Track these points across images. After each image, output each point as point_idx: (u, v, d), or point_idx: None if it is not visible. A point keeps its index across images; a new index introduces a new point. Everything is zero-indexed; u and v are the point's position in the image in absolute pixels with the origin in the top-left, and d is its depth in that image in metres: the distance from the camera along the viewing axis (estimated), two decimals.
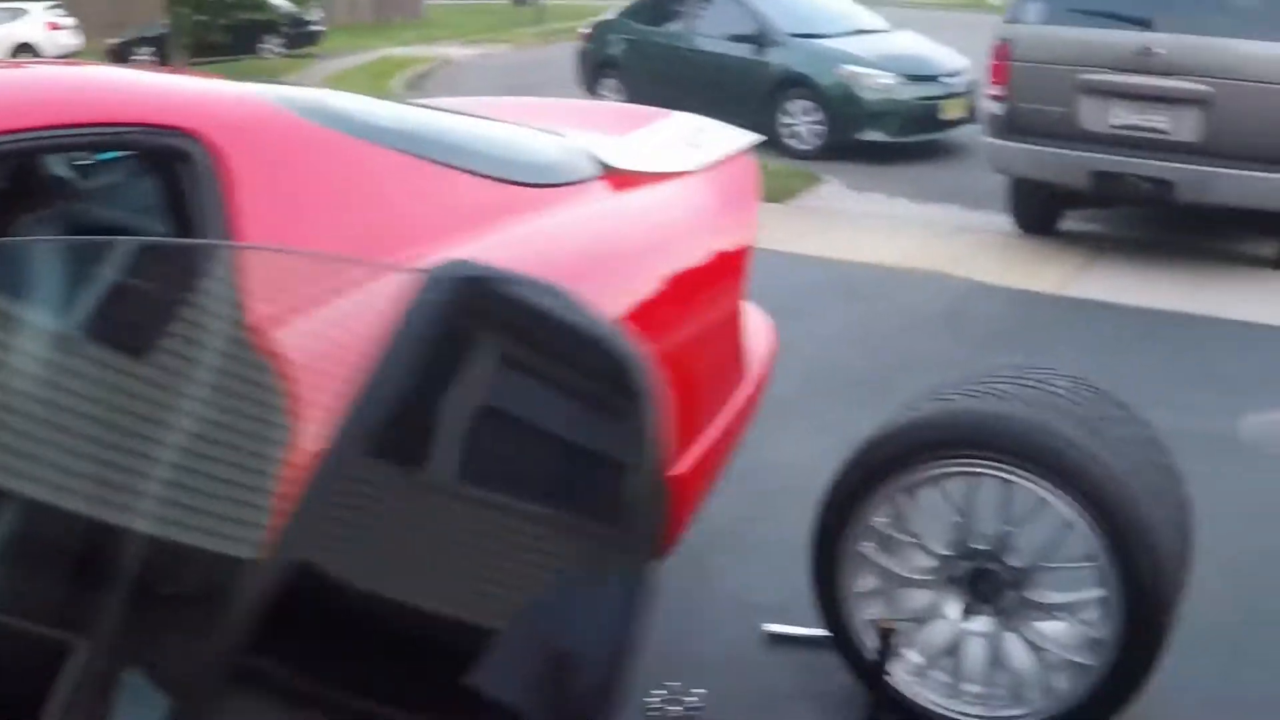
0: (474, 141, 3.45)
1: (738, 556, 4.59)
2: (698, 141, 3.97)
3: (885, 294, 8.43)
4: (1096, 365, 6.80)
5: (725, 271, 3.68)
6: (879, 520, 3.52)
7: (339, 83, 20.63)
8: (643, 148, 3.88)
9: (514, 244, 3.06)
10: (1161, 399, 6.24)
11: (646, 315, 3.24)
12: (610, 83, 16.08)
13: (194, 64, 24.15)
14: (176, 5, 24.51)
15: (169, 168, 2.71)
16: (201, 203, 2.64)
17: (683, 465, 3.39)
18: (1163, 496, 3.37)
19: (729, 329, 3.73)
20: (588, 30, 17.39)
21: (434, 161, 3.14)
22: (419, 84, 21.36)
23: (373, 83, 20.27)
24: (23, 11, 29.87)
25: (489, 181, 3.21)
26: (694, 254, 3.54)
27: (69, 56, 29.24)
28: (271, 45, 28.35)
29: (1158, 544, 3.20)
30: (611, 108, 4.62)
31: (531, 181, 3.32)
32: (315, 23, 29.62)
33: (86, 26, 31.24)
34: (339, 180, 2.95)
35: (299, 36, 28.88)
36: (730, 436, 3.71)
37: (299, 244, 2.72)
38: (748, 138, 4.11)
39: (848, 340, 7.38)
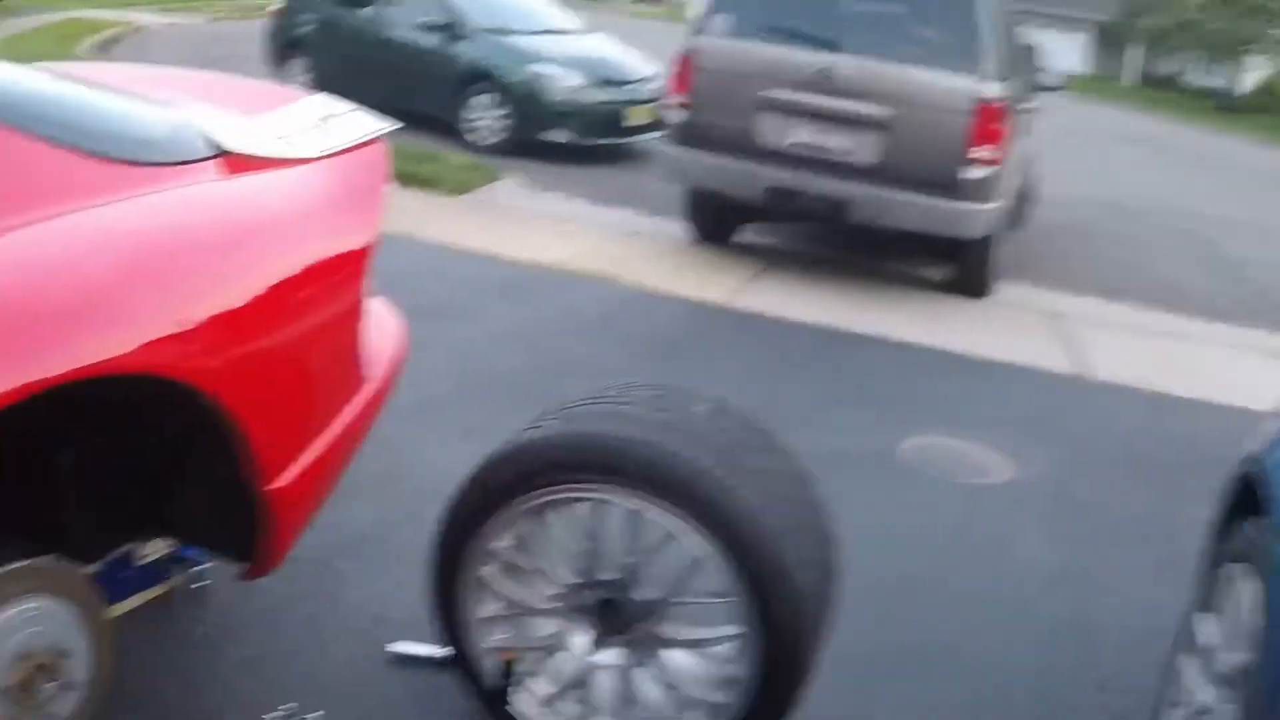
0: (63, 109, 3.10)
1: (373, 564, 4.35)
2: (328, 126, 3.67)
3: (550, 296, 8.23)
4: (756, 380, 6.83)
5: (340, 269, 3.38)
6: (500, 544, 3.29)
7: (20, 44, 19.54)
8: (266, 130, 3.57)
9: (89, 224, 2.74)
10: (819, 418, 6.25)
11: (241, 314, 2.94)
12: (299, 63, 15.53)
13: None
14: None
15: None
16: None
17: (284, 478, 3.12)
18: (804, 532, 3.21)
19: (343, 332, 3.43)
20: (279, 6, 16.79)
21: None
22: (106, 49, 20.35)
23: (57, 46, 19.19)
24: None
25: (71, 154, 2.85)
26: (302, 249, 3.23)
27: None
28: None
29: (795, 582, 3.04)
30: (245, 85, 4.28)
31: (126, 158, 2.98)
32: None
33: None
34: None
35: None
36: (345, 447, 3.44)
37: None
38: (381, 125, 3.82)
39: (507, 342, 7.14)
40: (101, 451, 3.14)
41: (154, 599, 3.52)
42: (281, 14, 16.36)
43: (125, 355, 2.62)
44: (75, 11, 25.17)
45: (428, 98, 13.80)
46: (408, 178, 10.16)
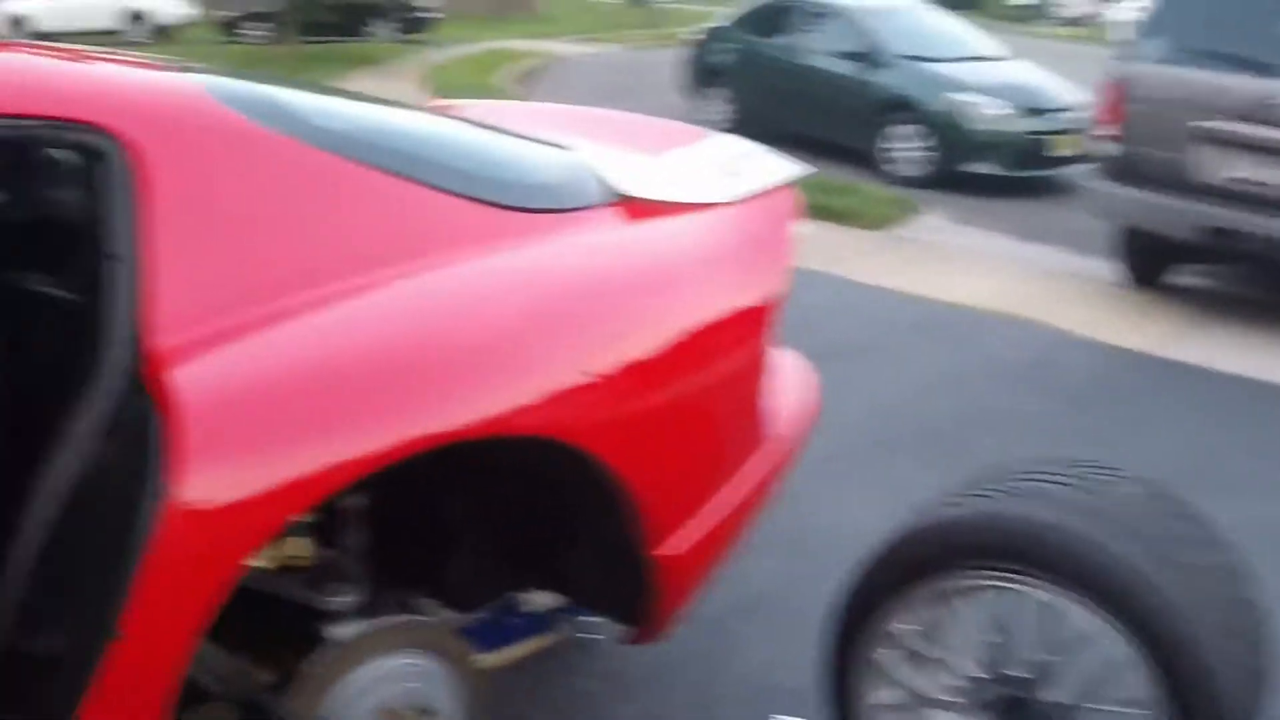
0: (452, 156, 3.03)
1: (770, 626, 4.14)
2: (735, 169, 3.49)
3: (968, 337, 7.87)
4: (1182, 438, 6.30)
5: (742, 323, 3.18)
6: (901, 627, 3.01)
7: (443, 73, 20.47)
8: (667, 172, 3.42)
9: (479, 276, 2.69)
10: (1252, 485, 5.69)
11: (633, 373, 2.82)
12: (716, 91, 15.63)
13: (305, 43, 24.06)
14: None
15: (82, 168, 2.47)
16: (114, 209, 2.37)
17: (673, 544, 2.96)
18: (1239, 638, 2.83)
19: (744, 389, 3.24)
20: (699, 36, 16.97)
21: (395, 174, 2.74)
22: (525, 79, 21.09)
23: (478, 75, 20.04)
24: None
25: (462, 202, 2.80)
26: (702, 302, 3.05)
27: (176, 27, 29.22)
28: (380, 29, 28.21)
29: (1225, 695, 2.66)
30: (647, 123, 4.14)
31: (517, 205, 2.90)
32: (428, 10, 29.39)
33: None
34: (275, 191, 2.59)
35: (411, 22, 28.71)
36: (743, 512, 3.24)
37: (223, 260, 2.45)
38: (792, 170, 3.61)
39: (922, 387, 6.83)
40: (487, 501, 3.07)
41: (541, 650, 3.46)
42: (699, 43, 16.54)
43: (507, 416, 2.56)
44: (495, 42, 26.24)
45: (844, 127, 13.63)
46: (823, 210, 9.97)
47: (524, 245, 2.81)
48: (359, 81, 19.63)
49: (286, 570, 2.85)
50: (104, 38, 27.43)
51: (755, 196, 3.39)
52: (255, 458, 2.29)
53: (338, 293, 2.49)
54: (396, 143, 2.93)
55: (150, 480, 2.20)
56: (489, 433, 2.53)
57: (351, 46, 25.54)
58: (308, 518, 2.80)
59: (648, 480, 2.84)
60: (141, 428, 2.25)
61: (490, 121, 3.58)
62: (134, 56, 3.00)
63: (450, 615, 3.15)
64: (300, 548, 2.85)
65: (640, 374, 2.83)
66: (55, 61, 2.72)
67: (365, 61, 22.84)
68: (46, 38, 27.71)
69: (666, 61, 17.70)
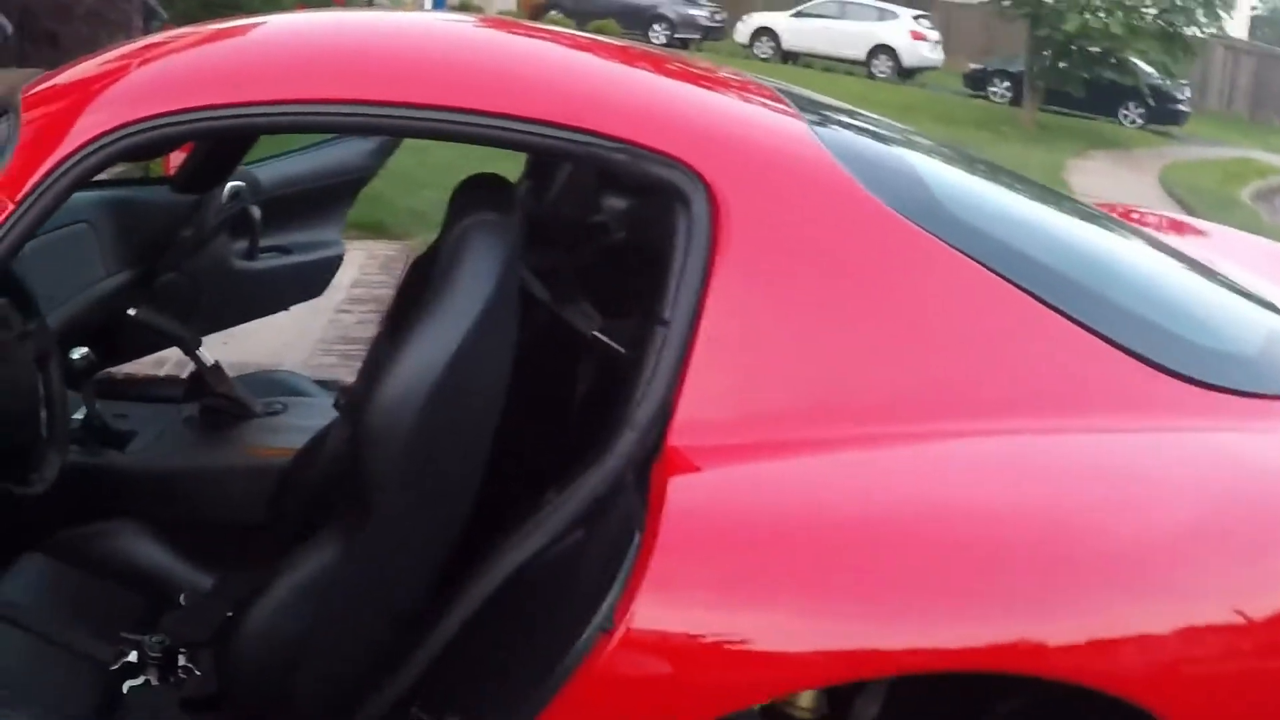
0: (1128, 294, 2.39)
1: None
2: None
3: None
4: None
5: None
6: None
7: (1181, 172, 19.30)
8: None
9: (1108, 459, 2.06)
10: None
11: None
12: None
13: (1043, 110, 23.47)
14: (1039, 48, 23.57)
15: (657, 204, 2.14)
16: (678, 265, 2.02)
17: None
18: None
19: None
20: None
21: (1043, 302, 2.13)
22: (1270, 196, 19.42)
23: (1219, 183, 18.71)
24: (891, 14, 29.76)
25: (1122, 356, 2.14)
26: None
27: (918, 69, 29.28)
28: (1132, 113, 27.27)
29: None
30: None
31: (1191, 375, 2.19)
32: (1182, 101, 28.07)
33: (951, 43, 31.30)
34: (881, 289, 2.10)
35: (1162, 112, 27.47)
36: None
37: (795, 356, 2.03)
38: None
39: None
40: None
41: None
42: None
43: (1065, 655, 1.92)
44: (1249, 151, 24.50)
45: None
46: None
47: (1187, 430, 2.14)
48: (1092, 163, 18.86)
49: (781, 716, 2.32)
50: (846, 66, 27.95)
51: None
52: (741, 614, 1.86)
53: (921, 434, 1.99)
54: (1059, 263, 2.35)
55: (605, 596, 1.81)
56: (1027, 671, 1.93)
57: (1094, 124, 24.67)
58: None
59: None
60: (622, 532, 1.86)
61: (1190, 252, 2.92)
62: (762, 88, 2.58)
63: None
64: (803, 698, 2.31)
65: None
66: (656, 79, 2.42)
67: (1104, 144, 21.90)
68: (789, 58, 28.80)
69: None
